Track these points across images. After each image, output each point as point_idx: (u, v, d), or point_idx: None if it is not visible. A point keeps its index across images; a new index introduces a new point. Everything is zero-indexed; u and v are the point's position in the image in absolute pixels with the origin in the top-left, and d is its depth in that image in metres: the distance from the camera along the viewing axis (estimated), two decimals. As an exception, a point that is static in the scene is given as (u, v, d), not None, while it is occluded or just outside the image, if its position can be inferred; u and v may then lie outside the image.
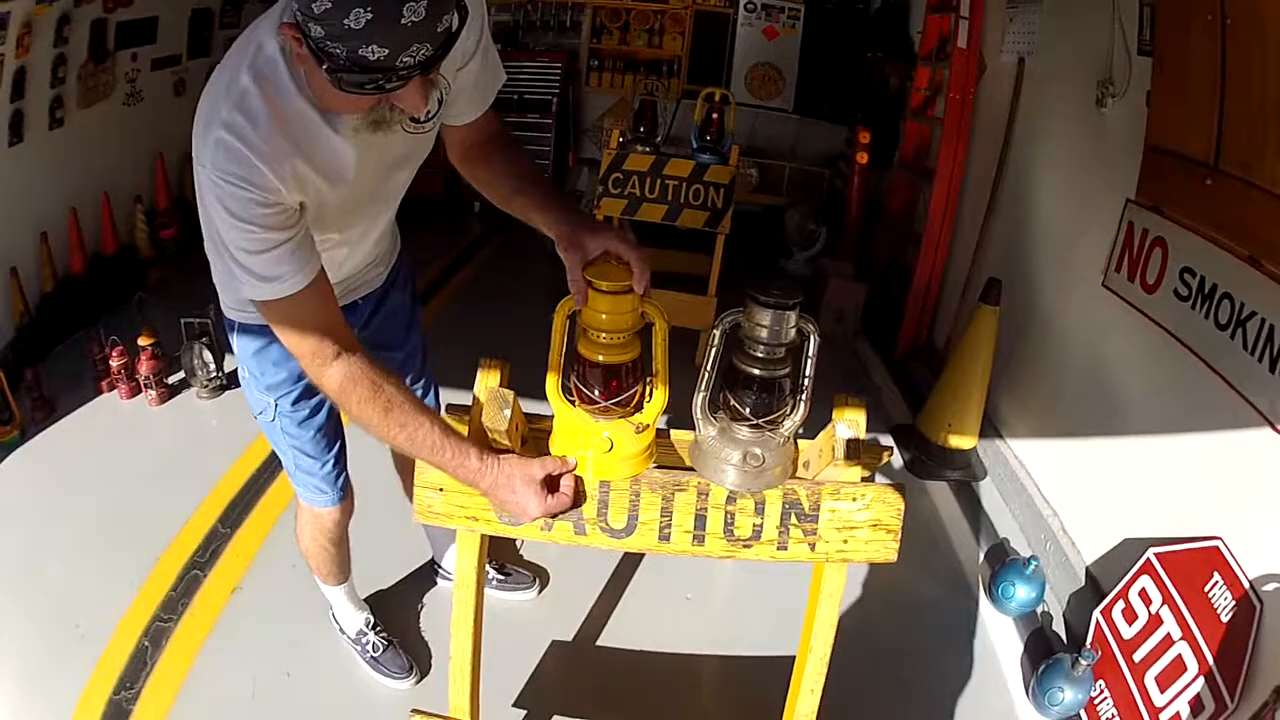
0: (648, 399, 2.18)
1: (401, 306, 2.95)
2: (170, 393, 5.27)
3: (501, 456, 2.05)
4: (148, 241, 6.92)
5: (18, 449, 4.67)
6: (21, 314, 5.56)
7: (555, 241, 2.16)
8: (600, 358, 2.09)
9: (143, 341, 5.09)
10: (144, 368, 5.10)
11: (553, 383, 2.16)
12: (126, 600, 3.66)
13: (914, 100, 7.26)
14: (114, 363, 5.14)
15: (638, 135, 6.29)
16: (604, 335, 2.07)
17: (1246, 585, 2.85)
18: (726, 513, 2.13)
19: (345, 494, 3.01)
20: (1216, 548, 3.02)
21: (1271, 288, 2.98)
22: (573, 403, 2.16)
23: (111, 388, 5.23)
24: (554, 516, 2.10)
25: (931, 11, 6.91)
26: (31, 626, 3.55)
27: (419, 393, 3.10)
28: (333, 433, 2.88)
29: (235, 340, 2.65)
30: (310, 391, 2.70)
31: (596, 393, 2.12)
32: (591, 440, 2.12)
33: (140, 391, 5.19)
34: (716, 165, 5.89)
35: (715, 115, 6.56)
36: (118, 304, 6.31)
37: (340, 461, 2.95)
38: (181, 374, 5.36)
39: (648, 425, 2.17)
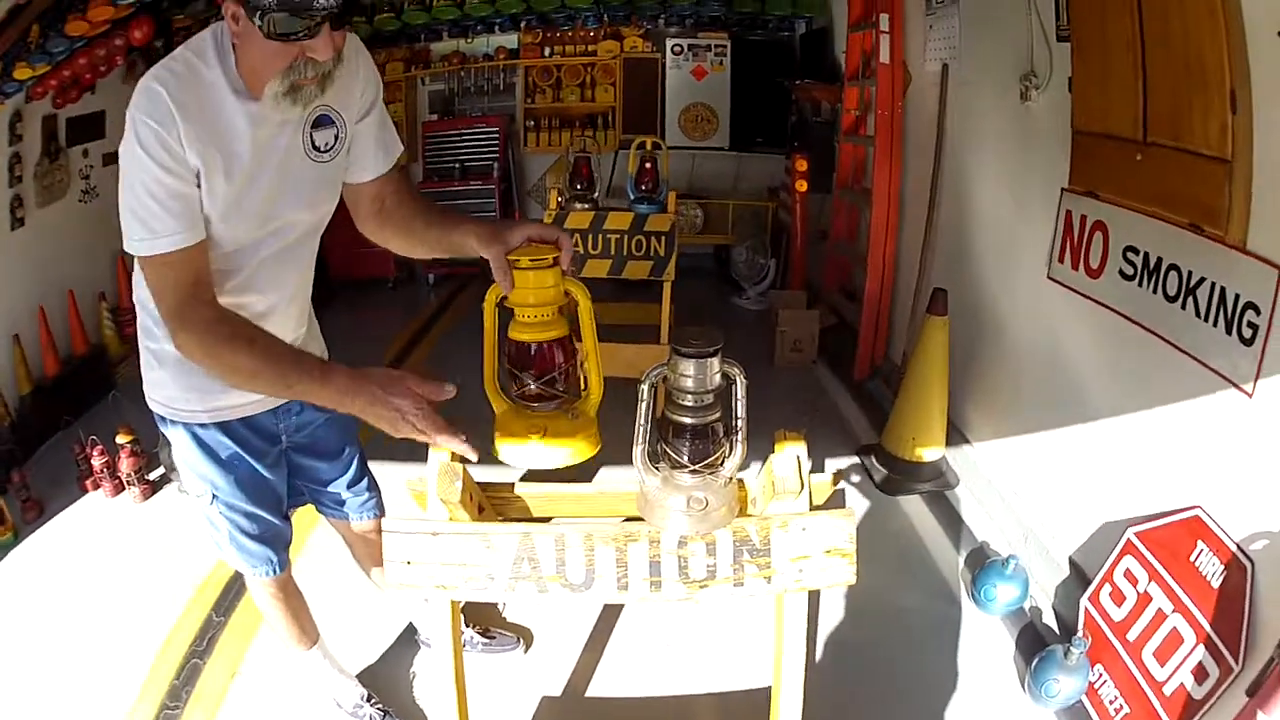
0: (584, 389, 2.29)
1: (335, 420, 2.97)
2: (153, 488, 5.29)
3: (368, 370, 2.15)
4: (116, 339, 6.93)
5: (12, 550, 4.73)
6: (2, 416, 5.61)
7: (479, 241, 2.31)
8: (529, 336, 2.20)
9: (121, 439, 5.11)
10: (125, 465, 5.13)
11: (489, 375, 2.29)
12: (133, 690, 3.68)
13: (845, 122, 7.33)
14: (96, 462, 5.17)
15: (576, 193, 6.27)
16: (530, 313, 2.18)
17: (1234, 548, 2.84)
18: (679, 557, 2.20)
19: (282, 567, 3.03)
20: (1197, 516, 3.02)
21: (1217, 251, 2.99)
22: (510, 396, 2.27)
23: (96, 486, 5.24)
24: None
25: (853, 30, 6.96)
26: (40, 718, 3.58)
27: (363, 496, 3.20)
28: (271, 513, 2.92)
29: (168, 432, 2.74)
30: (246, 477, 2.78)
31: (530, 380, 2.22)
32: (529, 428, 2.19)
33: (124, 489, 5.21)
34: (655, 214, 5.89)
35: (649, 164, 6.56)
36: (92, 402, 6.37)
37: (276, 543, 2.98)
38: (161, 469, 5.37)
39: (584, 412, 2.29)
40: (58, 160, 6.30)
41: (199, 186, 2.18)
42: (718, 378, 2.05)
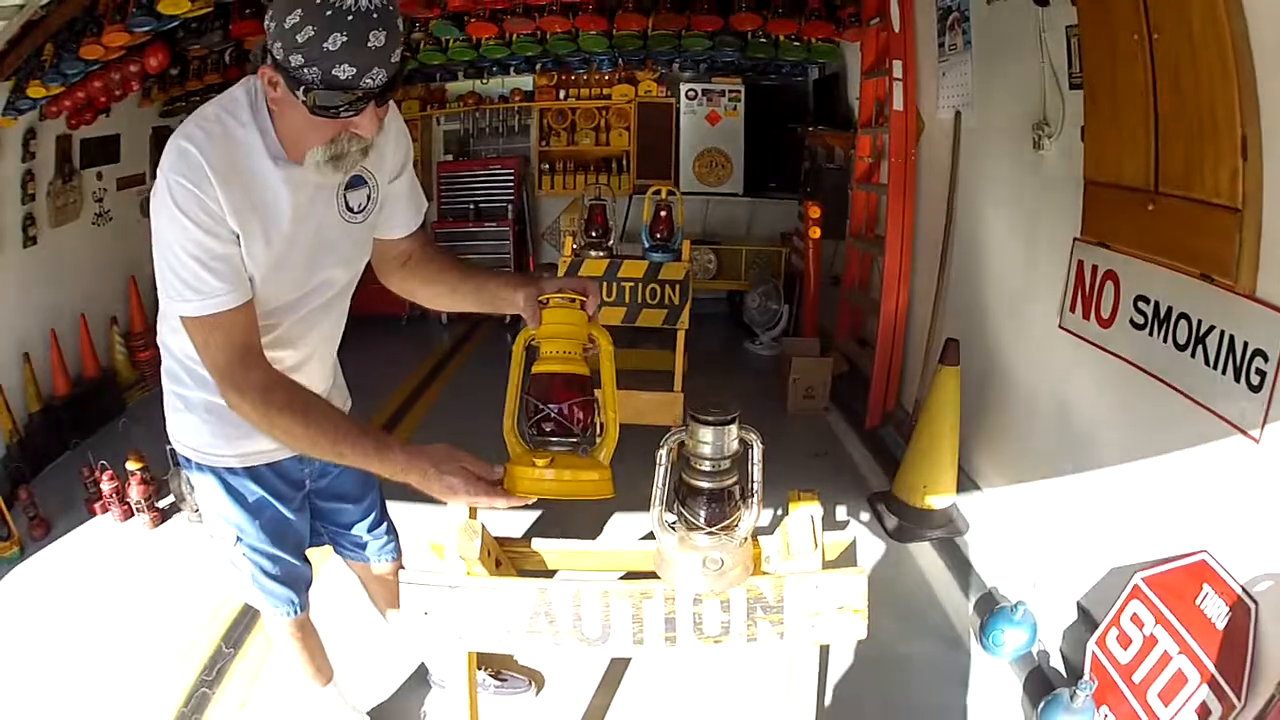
0: (599, 434, 2.31)
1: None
2: (163, 516, 5.31)
3: (424, 447, 2.15)
4: (127, 364, 7.03)
5: (17, 566, 4.77)
6: (11, 433, 5.66)
7: (513, 292, 2.41)
8: (552, 368, 2.24)
9: (131, 465, 5.13)
10: (135, 492, 5.14)
11: (509, 421, 2.31)
12: (139, 717, 3.68)
13: (858, 169, 7.37)
14: (105, 486, 5.19)
15: (590, 240, 6.31)
16: (555, 348, 2.24)
17: (1238, 590, 2.86)
18: (694, 613, 2.24)
19: (303, 608, 3.06)
20: (1203, 561, 3.03)
21: (1227, 299, 3.00)
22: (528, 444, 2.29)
23: (105, 510, 5.26)
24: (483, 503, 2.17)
25: (866, 77, 7.03)
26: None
27: (382, 539, 3.25)
28: (293, 555, 2.95)
29: (194, 476, 2.76)
30: (271, 521, 2.81)
31: (548, 416, 2.23)
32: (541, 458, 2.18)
33: (133, 514, 5.22)
34: (670, 263, 5.93)
35: (664, 212, 6.60)
36: (101, 426, 6.44)
37: (298, 584, 3.01)
38: (171, 498, 5.41)
39: (598, 455, 2.29)
40: (71, 181, 6.40)
41: (239, 246, 2.18)
42: (735, 444, 2.11)
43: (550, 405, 2.22)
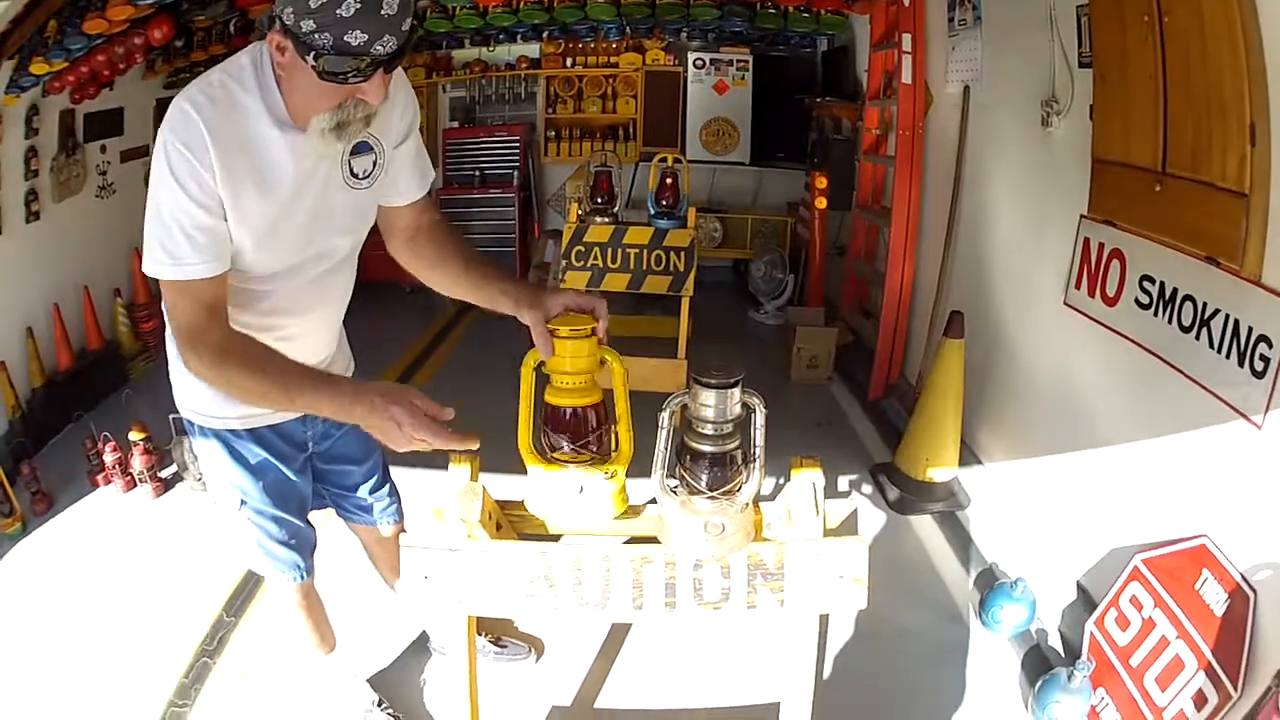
0: (614, 448, 2.36)
1: (357, 428, 3.01)
2: (165, 486, 5.31)
3: (373, 383, 2.19)
4: (130, 336, 6.99)
5: (20, 541, 4.75)
6: (14, 408, 5.64)
7: (517, 304, 2.39)
8: (566, 401, 2.28)
9: (134, 436, 5.12)
10: (138, 462, 5.14)
11: (524, 439, 2.34)
12: (142, 686, 3.69)
13: (866, 141, 7.35)
14: (108, 458, 5.19)
15: (596, 206, 6.29)
16: (568, 380, 2.26)
17: (1238, 577, 2.85)
18: (694, 579, 2.22)
19: (308, 573, 3.08)
20: (1203, 545, 3.02)
21: (1233, 284, 2.98)
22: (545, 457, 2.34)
23: (107, 482, 5.25)
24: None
25: (875, 49, 7.00)
26: (48, 712, 3.58)
27: (384, 501, 3.27)
28: (297, 518, 2.97)
29: (195, 441, 2.79)
30: (274, 483, 2.82)
31: (565, 442, 2.30)
32: (564, 488, 2.26)
33: (136, 485, 5.22)
34: (675, 230, 5.90)
35: (670, 179, 6.59)
36: (104, 398, 6.43)
37: (303, 548, 3.03)
38: (174, 468, 5.39)
39: (617, 471, 2.35)
40: (75, 155, 6.35)
41: (225, 220, 2.20)
42: (738, 408, 2.11)
43: (567, 436, 2.29)
